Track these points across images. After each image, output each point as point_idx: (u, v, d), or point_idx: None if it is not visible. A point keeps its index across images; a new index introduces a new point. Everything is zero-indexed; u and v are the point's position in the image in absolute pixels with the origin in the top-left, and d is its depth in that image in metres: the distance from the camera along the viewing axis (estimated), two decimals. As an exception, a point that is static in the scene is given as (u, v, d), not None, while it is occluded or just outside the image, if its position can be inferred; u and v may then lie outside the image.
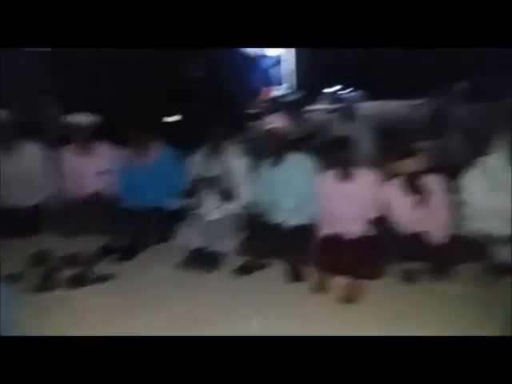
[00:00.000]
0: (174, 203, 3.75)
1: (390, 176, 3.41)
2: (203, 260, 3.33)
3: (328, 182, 3.33)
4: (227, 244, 3.44)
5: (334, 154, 3.25)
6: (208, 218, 3.55)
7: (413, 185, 3.22)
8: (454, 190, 3.36)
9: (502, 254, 3.02)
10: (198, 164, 3.67)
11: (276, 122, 3.44)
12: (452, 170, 3.57)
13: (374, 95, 19.64)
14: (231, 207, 3.57)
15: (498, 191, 3.13)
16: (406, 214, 3.26)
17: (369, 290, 2.91)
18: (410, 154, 3.19)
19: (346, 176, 3.30)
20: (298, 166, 3.41)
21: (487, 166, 3.21)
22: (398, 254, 3.16)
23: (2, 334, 1.69)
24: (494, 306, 2.61)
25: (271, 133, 3.39)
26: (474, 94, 15.83)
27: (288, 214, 3.37)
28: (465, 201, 3.25)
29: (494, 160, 3.20)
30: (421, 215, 3.23)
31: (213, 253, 3.41)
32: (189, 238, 3.51)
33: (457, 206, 3.29)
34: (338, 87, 20.39)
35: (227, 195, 3.55)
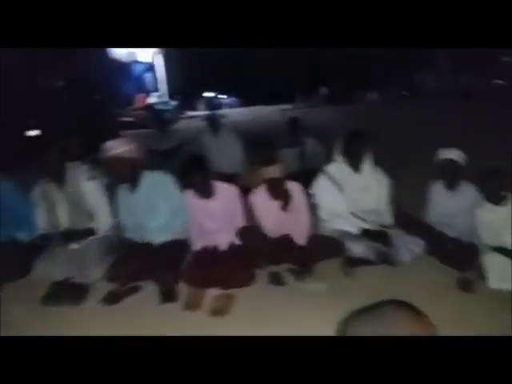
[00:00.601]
0: (27, 235, 3.45)
1: (256, 183, 3.56)
2: (66, 293, 3.11)
3: (191, 199, 3.35)
4: (94, 272, 3.25)
5: (190, 176, 3.21)
6: (70, 247, 3.32)
7: (276, 190, 3.40)
8: (310, 193, 3.65)
9: (354, 248, 3.36)
10: (49, 191, 3.41)
11: (117, 147, 3.15)
12: (310, 174, 3.88)
13: (248, 101, 20.49)
14: (93, 232, 3.38)
15: (344, 194, 3.48)
16: (272, 218, 3.43)
17: (239, 298, 3.00)
18: (272, 161, 3.37)
19: (205, 194, 3.32)
20: (156, 185, 3.30)
21: (332, 171, 3.55)
22: (267, 258, 3.33)
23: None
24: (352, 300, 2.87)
25: (114, 160, 3.11)
26: (335, 98, 17.39)
27: (154, 233, 3.30)
28: (318, 203, 3.55)
29: (337, 164, 3.55)
30: (285, 219, 3.43)
31: (78, 284, 3.20)
32: (49, 270, 3.24)
33: (314, 209, 3.57)
34: (214, 94, 20.85)
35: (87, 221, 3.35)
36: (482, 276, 3.04)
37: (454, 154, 3.35)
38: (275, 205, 3.43)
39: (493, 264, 3.03)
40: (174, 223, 3.33)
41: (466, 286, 2.99)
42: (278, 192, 3.40)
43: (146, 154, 3.57)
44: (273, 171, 3.33)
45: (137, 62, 20.39)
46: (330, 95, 17.70)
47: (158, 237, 3.29)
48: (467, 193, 3.39)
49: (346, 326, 1.06)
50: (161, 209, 3.29)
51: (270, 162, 3.37)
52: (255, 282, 3.21)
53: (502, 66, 17.82)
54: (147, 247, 3.28)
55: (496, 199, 3.10)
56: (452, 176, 3.40)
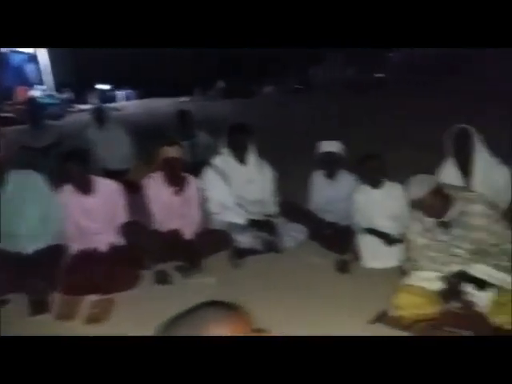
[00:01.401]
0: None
1: (150, 171, 3.52)
2: None
3: (67, 197, 3.13)
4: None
5: (67, 170, 3.03)
6: None
7: (173, 172, 3.37)
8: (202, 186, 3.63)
9: (241, 240, 3.42)
10: None
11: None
12: (201, 168, 3.86)
13: (145, 93, 19.80)
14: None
15: (231, 186, 3.53)
16: (164, 205, 3.37)
17: (121, 302, 2.88)
18: (172, 143, 3.40)
19: (84, 190, 3.15)
20: (24, 186, 3.04)
21: (218, 163, 3.58)
22: (153, 256, 3.24)
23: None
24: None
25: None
26: (232, 91, 17.52)
27: (24, 242, 3.03)
28: (207, 196, 3.55)
29: (223, 156, 3.59)
30: (176, 208, 3.39)
31: None
32: None
33: (204, 202, 3.57)
34: (109, 86, 19.78)
35: None
36: (358, 257, 3.27)
37: (333, 146, 3.56)
38: (169, 191, 3.40)
39: (366, 245, 3.27)
40: (46, 229, 3.09)
41: (342, 267, 3.19)
42: (174, 175, 3.38)
43: (19, 151, 3.27)
44: (172, 151, 3.31)
45: (15, 51, 18.59)
46: (227, 89, 17.83)
47: (29, 245, 3.04)
48: (345, 181, 3.62)
49: (165, 330, 1.06)
50: (30, 213, 3.03)
51: (170, 143, 3.39)
52: (140, 283, 3.10)
53: (386, 61, 19.46)
54: (18, 257, 3.00)
55: (373, 182, 3.32)
56: (331, 166, 3.61)
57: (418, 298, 2.48)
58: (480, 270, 2.44)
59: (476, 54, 11.00)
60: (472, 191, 2.74)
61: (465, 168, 3.19)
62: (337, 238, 3.41)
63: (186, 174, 3.50)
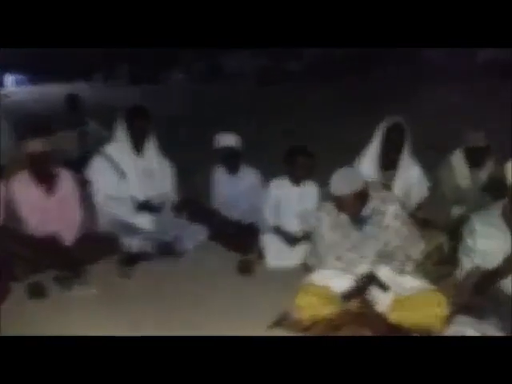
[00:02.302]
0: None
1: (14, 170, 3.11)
2: None
3: None
4: None
5: None
6: None
7: (39, 170, 3.00)
8: (84, 184, 3.26)
9: (131, 242, 3.12)
10: None
11: None
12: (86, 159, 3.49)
13: (37, 78, 18.21)
14: None
15: (125, 178, 3.21)
16: (36, 209, 2.99)
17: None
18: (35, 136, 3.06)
19: None
20: None
21: (111, 152, 3.24)
22: (26, 265, 2.84)
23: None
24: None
25: None
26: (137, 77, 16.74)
27: None
28: (94, 186, 3.20)
29: (117, 144, 3.25)
30: (51, 210, 3.02)
31: None
32: None
33: (89, 201, 3.20)
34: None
35: None
36: (262, 256, 3.14)
37: (230, 140, 3.37)
38: (39, 191, 3.02)
39: (270, 243, 3.15)
40: None
41: (245, 267, 3.04)
42: (42, 172, 3.01)
43: None
44: (36, 145, 2.94)
45: None
46: (131, 74, 16.96)
47: None
48: (248, 177, 3.46)
49: None
50: None
51: (35, 136, 3.06)
52: (10, 297, 2.68)
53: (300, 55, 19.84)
54: None
55: (297, 178, 3.18)
56: (231, 161, 3.42)
57: (316, 297, 2.39)
58: (385, 274, 2.41)
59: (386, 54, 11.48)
60: (388, 190, 2.69)
61: (387, 162, 3.16)
62: (239, 237, 3.25)
63: (59, 170, 3.11)
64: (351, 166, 2.93)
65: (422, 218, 3.01)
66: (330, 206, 2.50)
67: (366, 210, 2.42)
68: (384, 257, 2.43)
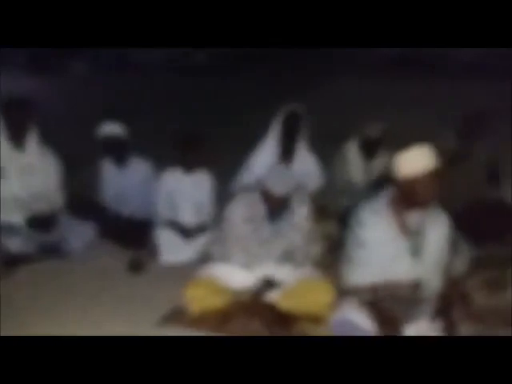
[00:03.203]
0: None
1: None
2: None
3: None
4: None
5: None
6: None
7: None
8: None
9: (10, 243, 2.90)
10: None
11: None
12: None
13: None
14: None
15: (4, 176, 2.96)
16: None
17: None
18: None
19: None
20: None
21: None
22: None
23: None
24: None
25: None
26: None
27: None
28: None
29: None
30: None
31: None
32: None
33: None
34: None
35: None
36: (156, 253, 3.06)
37: (114, 129, 3.20)
38: None
39: (166, 238, 3.08)
40: None
41: (135, 265, 2.94)
42: None
43: None
44: None
45: None
46: (30, 64, 15.66)
47: None
48: (138, 169, 3.32)
49: None
50: None
51: None
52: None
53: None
54: None
55: (187, 165, 3.10)
56: (117, 152, 3.26)
57: (205, 290, 2.39)
58: (284, 273, 2.47)
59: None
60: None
61: (283, 151, 3.19)
62: (131, 234, 3.13)
63: None
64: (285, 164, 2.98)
65: (316, 207, 3.11)
66: (248, 198, 2.49)
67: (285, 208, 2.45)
68: (286, 255, 2.49)
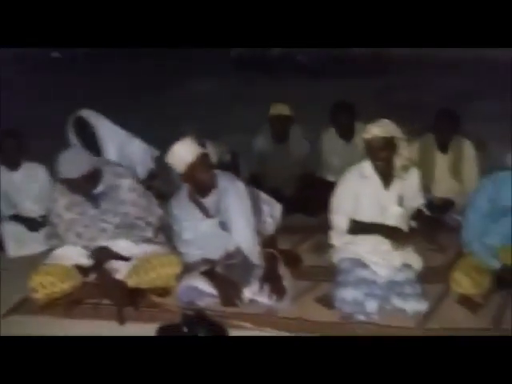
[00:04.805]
0: None
1: None
2: None
3: None
4: None
5: None
6: None
7: None
8: None
9: None
10: None
11: None
12: None
13: None
14: None
15: None
16: None
17: None
18: None
19: None
20: None
21: None
22: None
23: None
24: None
25: None
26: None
27: None
28: None
29: None
30: None
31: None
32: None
33: None
34: None
35: None
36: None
37: None
38: None
39: (10, 233, 3.05)
40: None
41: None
42: None
43: None
44: None
45: None
46: None
47: None
48: None
49: None
50: None
51: None
52: None
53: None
54: None
55: (10, 163, 3.07)
56: None
57: (49, 276, 2.46)
58: (122, 246, 2.61)
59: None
60: (120, 165, 2.84)
61: (93, 150, 3.22)
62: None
63: None
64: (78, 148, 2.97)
65: (160, 188, 3.33)
66: (61, 187, 2.57)
67: (100, 187, 2.55)
68: (124, 228, 2.62)
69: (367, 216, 2.56)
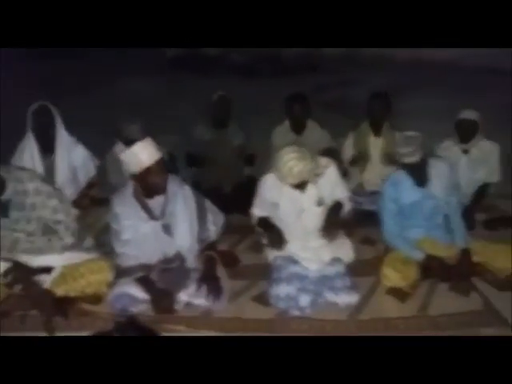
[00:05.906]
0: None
1: None
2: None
3: None
4: None
5: None
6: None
7: None
8: None
9: None
10: None
11: None
12: None
13: None
14: None
15: None
16: None
17: None
18: None
19: None
20: None
21: None
22: None
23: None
24: None
25: None
26: None
27: None
28: None
29: None
30: None
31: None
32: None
33: None
34: None
35: None
36: None
37: None
38: None
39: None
40: None
41: None
42: None
43: None
44: None
45: None
46: None
47: None
48: None
49: None
50: None
51: None
52: None
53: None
54: None
55: None
56: None
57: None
58: (43, 259, 2.52)
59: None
60: (26, 169, 2.70)
61: (45, 145, 3.16)
62: None
63: None
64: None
65: (96, 196, 3.25)
66: None
67: (5, 195, 2.41)
68: (40, 235, 2.52)
69: (286, 215, 2.69)
